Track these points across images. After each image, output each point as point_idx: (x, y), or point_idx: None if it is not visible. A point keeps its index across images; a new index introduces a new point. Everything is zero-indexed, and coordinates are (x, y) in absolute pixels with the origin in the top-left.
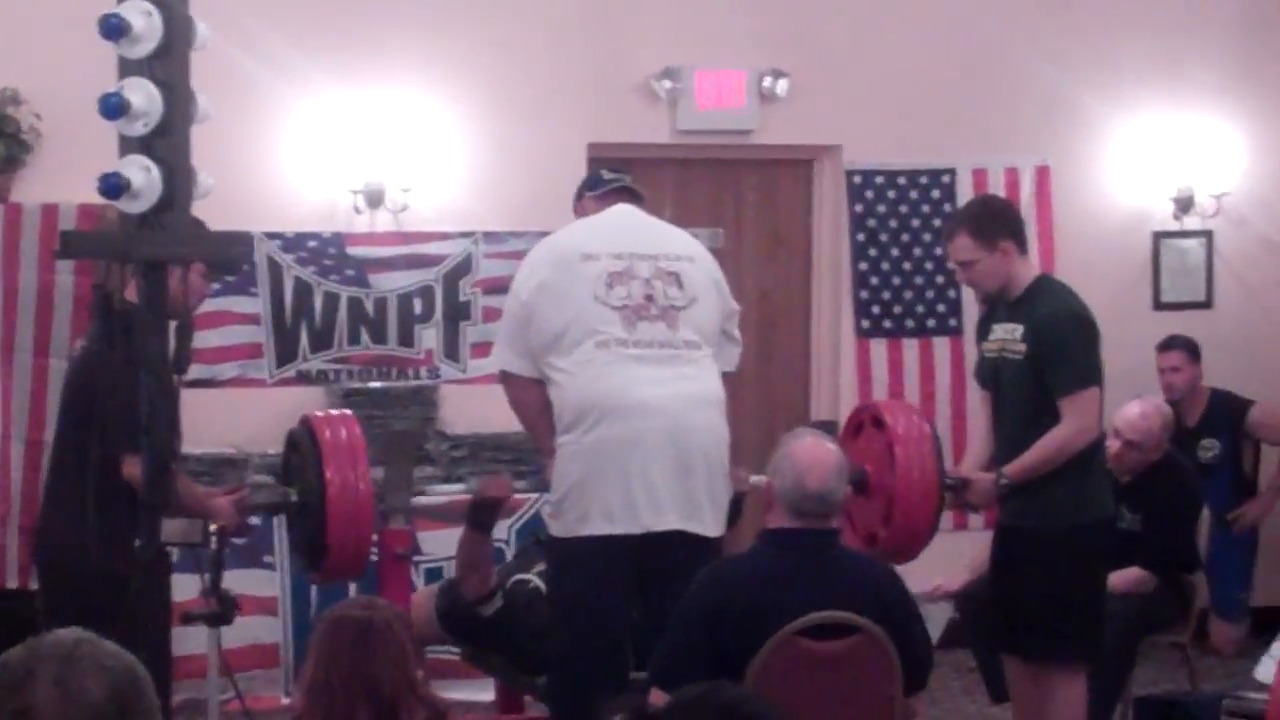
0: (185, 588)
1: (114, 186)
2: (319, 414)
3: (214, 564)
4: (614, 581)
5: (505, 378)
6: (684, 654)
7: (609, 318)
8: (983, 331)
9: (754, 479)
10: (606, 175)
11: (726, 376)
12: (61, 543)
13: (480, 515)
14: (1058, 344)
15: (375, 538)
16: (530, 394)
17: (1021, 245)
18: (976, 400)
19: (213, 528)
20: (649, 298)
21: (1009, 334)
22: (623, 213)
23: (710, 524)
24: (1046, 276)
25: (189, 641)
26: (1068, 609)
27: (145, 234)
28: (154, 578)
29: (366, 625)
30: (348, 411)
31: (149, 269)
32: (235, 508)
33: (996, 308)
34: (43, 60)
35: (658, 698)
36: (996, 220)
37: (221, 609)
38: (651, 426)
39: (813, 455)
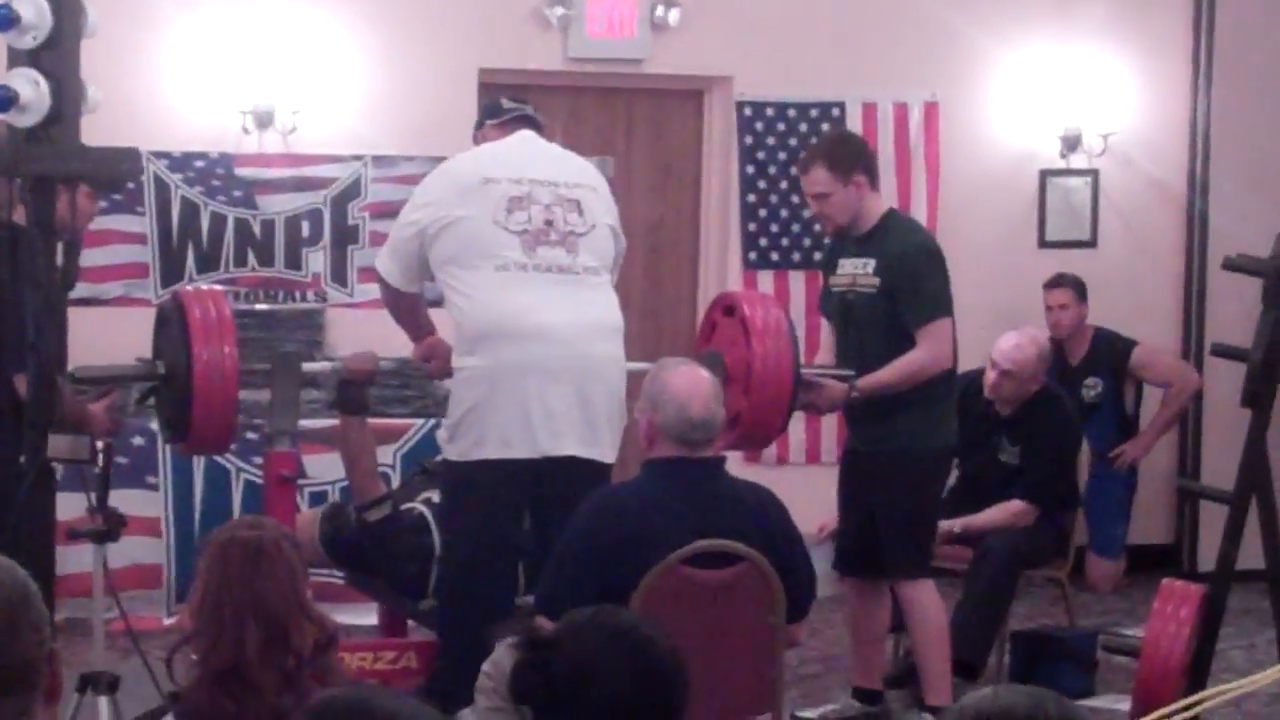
0: (70, 507)
1: (2, 100)
2: (189, 289)
3: (101, 481)
4: (507, 506)
5: (382, 282)
6: (569, 583)
7: (508, 242)
8: (829, 265)
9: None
10: (507, 104)
11: None
12: None
13: (349, 394)
14: (911, 276)
15: (261, 459)
16: (404, 301)
17: (874, 180)
18: None
19: (99, 444)
20: (549, 223)
21: (859, 268)
22: (523, 139)
23: (608, 450)
24: (895, 211)
25: (71, 560)
26: (916, 526)
27: (34, 149)
28: (38, 494)
29: (256, 545)
30: (219, 288)
31: (37, 184)
32: (107, 412)
33: (843, 242)
34: None
35: (544, 625)
36: (852, 154)
37: (108, 526)
38: (550, 353)
39: (691, 384)
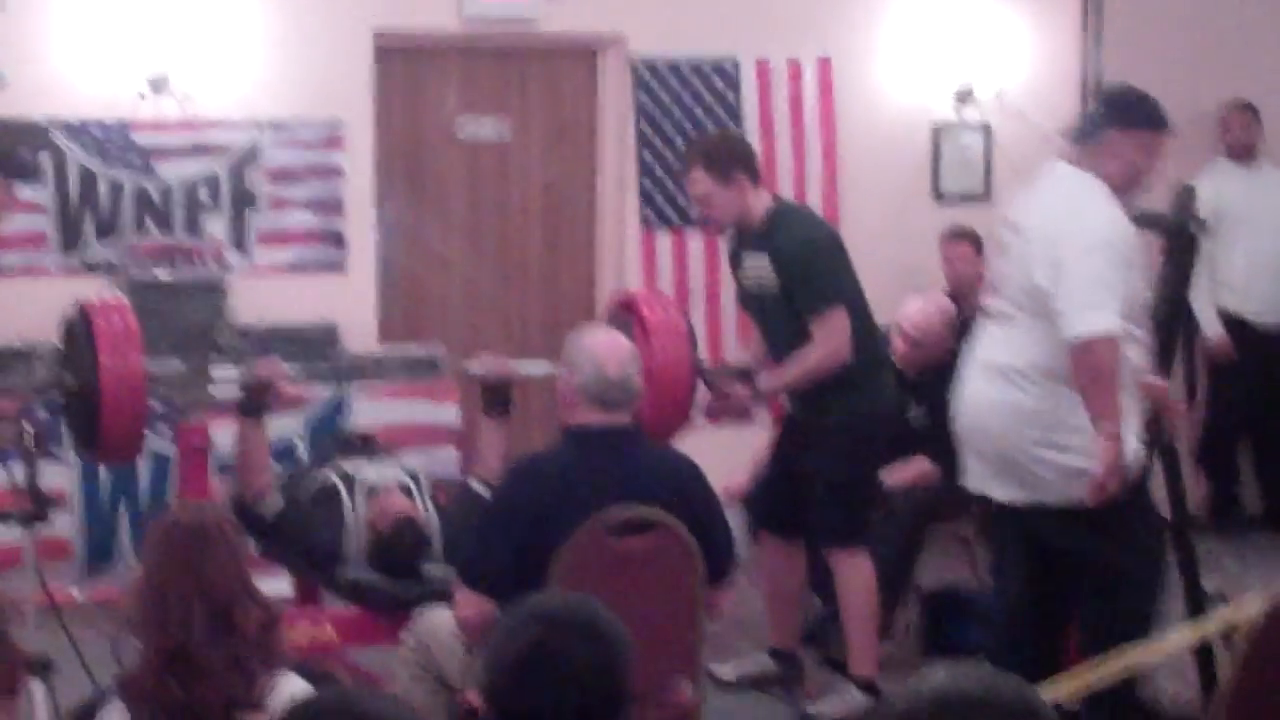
0: None
1: None
2: (94, 301)
3: (29, 462)
4: None
5: (1102, 342)
6: (488, 551)
7: None
8: (735, 261)
9: (515, 364)
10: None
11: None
12: None
13: (252, 399)
14: (799, 270)
15: (168, 430)
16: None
17: (755, 178)
18: None
19: (28, 429)
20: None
21: (759, 262)
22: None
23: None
24: (781, 204)
25: None
26: (850, 493)
27: None
28: None
29: (199, 528)
30: (122, 298)
31: None
32: (14, 409)
33: (741, 237)
34: None
35: (464, 595)
36: (730, 153)
37: (37, 507)
38: None
39: (608, 345)
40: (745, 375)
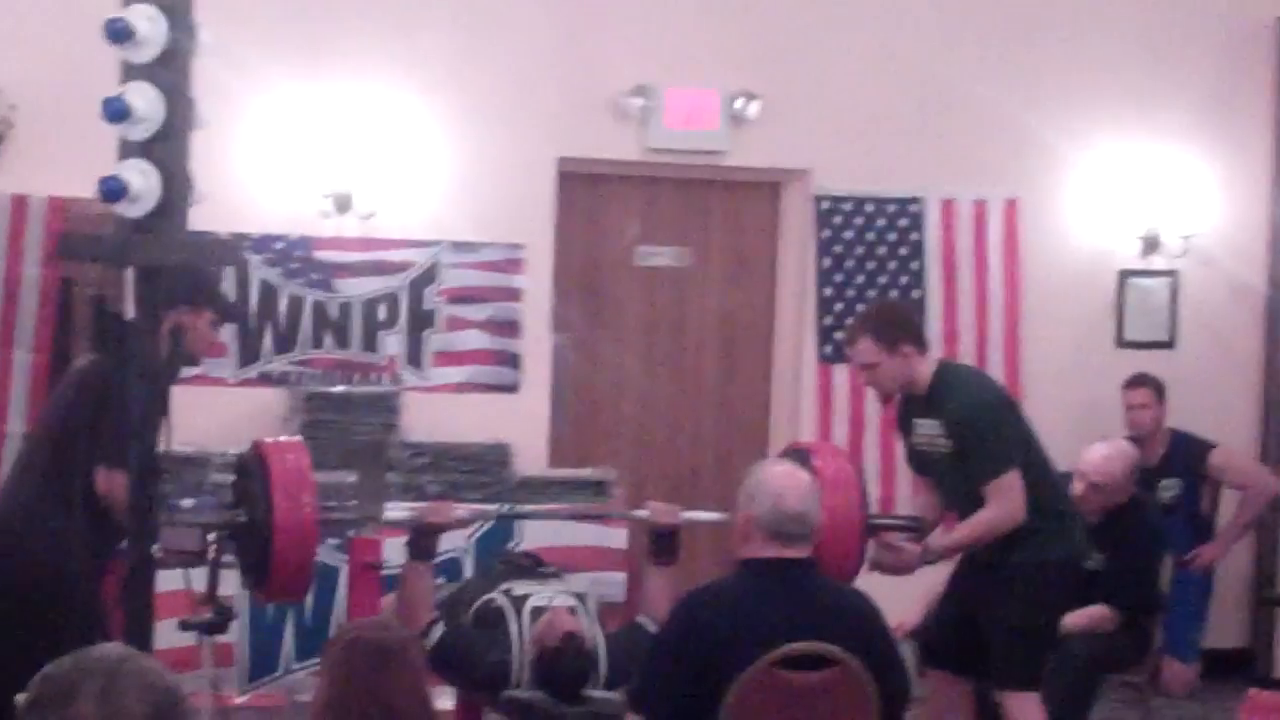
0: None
1: (113, 190)
2: (269, 440)
3: (211, 572)
4: None
5: None
6: (661, 681)
7: None
8: (905, 425)
9: (685, 514)
10: None
11: None
12: (21, 541)
13: (421, 542)
14: (971, 437)
15: (335, 541)
16: None
17: (921, 347)
18: None
19: (210, 536)
20: None
21: (931, 429)
22: None
23: None
24: (946, 366)
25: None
26: (1033, 638)
27: (141, 239)
28: (139, 582)
29: (383, 648)
30: (298, 438)
31: (145, 273)
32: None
33: (909, 403)
34: (18, 52)
35: None
36: (898, 325)
37: (218, 617)
38: None
39: (787, 478)
40: (915, 528)
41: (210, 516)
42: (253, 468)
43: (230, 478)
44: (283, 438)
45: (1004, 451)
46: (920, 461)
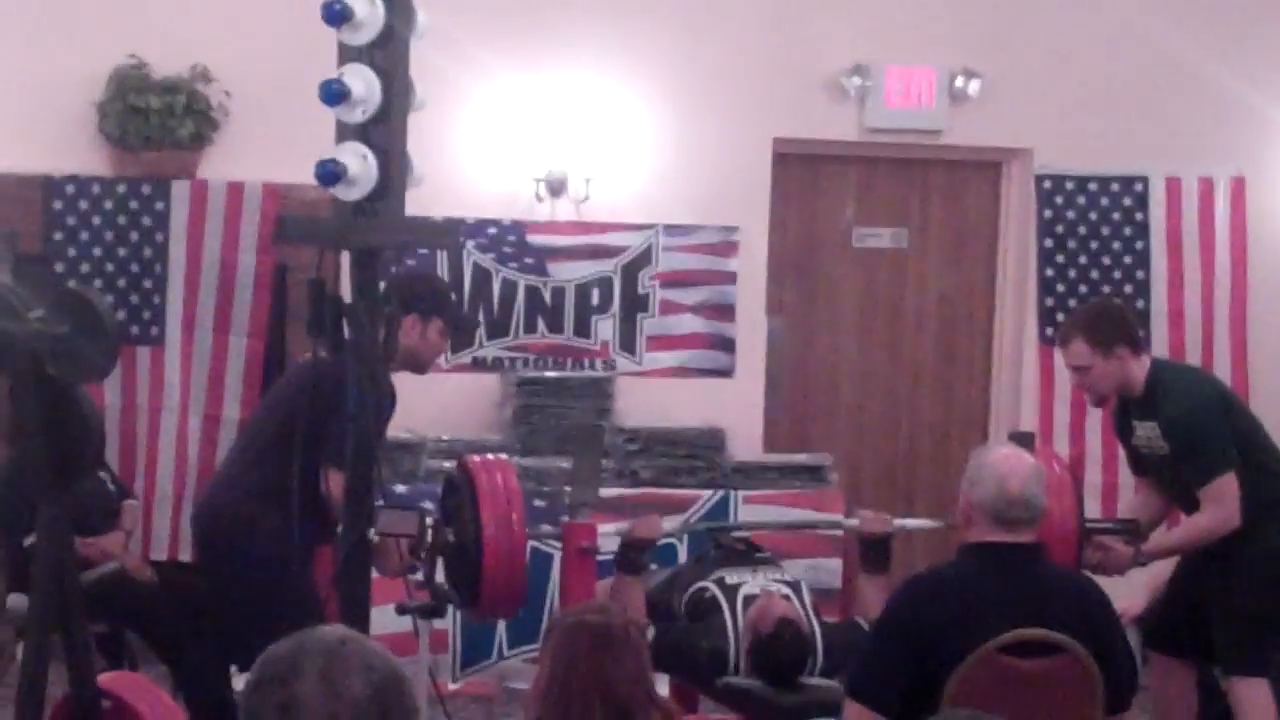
0: None
1: (330, 173)
2: (475, 458)
3: (430, 557)
4: None
5: None
6: (882, 668)
7: None
8: (1124, 428)
9: (897, 522)
10: None
11: None
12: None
13: (630, 556)
14: (1187, 442)
15: (546, 526)
16: None
17: (1136, 349)
18: None
19: (429, 520)
20: None
21: (1149, 431)
22: None
23: None
24: (1160, 366)
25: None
26: (1264, 623)
27: (360, 221)
28: (356, 566)
29: (605, 630)
30: (504, 457)
31: (363, 257)
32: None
33: (1128, 407)
34: (233, 38)
35: (854, 710)
36: (1112, 326)
37: (435, 602)
38: None
39: (1011, 462)
40: (1130, 530)
41: (419, 536)
42: (460, 485)
43: (444, 464)
44: (490, 456)
45: (1219, 455)
46: (1140, 463)
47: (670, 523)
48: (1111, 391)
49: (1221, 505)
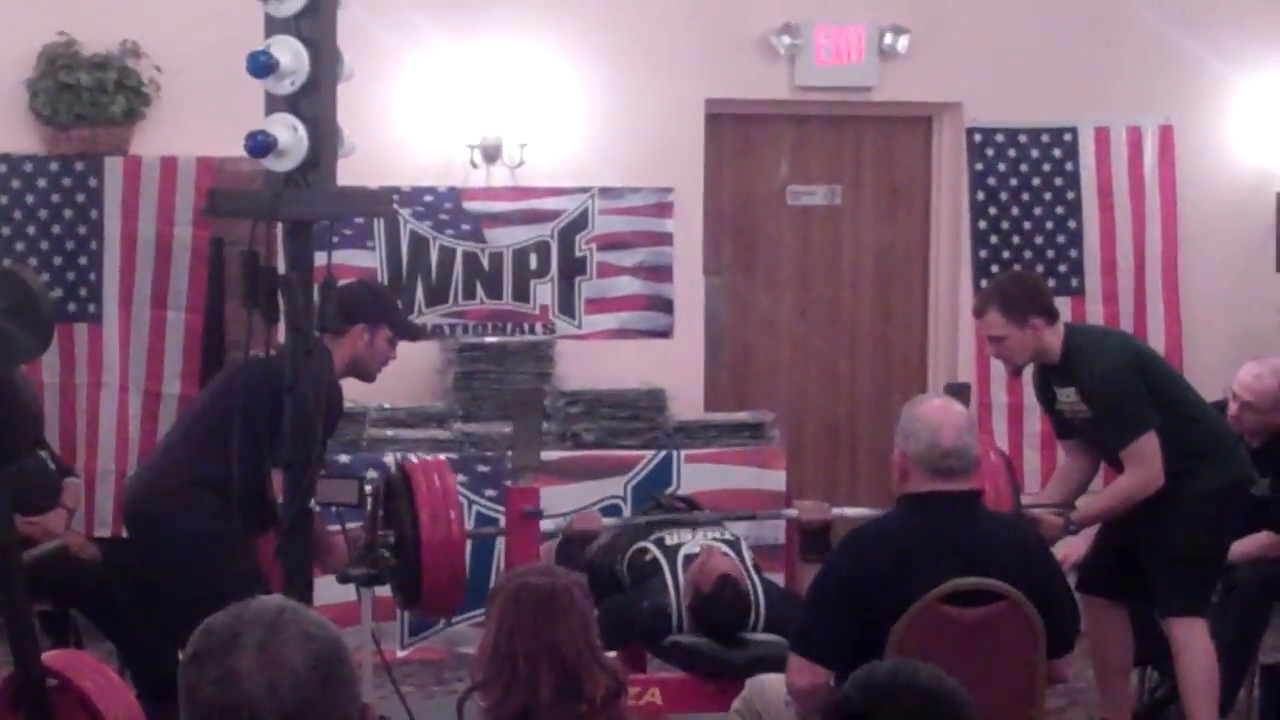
0: None
1: (260, 145)
2: (414, 460)
3: (370, 526)
4: None
5: None
6: (824, 621)
7: None
8: (1047, 395)
9: (836, 510)
10: None
11: None
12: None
13: (571, 549)
14: (1104, 405)
15: (492, 492)
16: None
17: (1050, 318)
18: None
19: (368, 488)
20: None
21: (1070, 397)
22: None
23: None
24: (1074, 332)
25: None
26: (1201, 564)
27: (292, 193)
28: (298, 537)
29: (549, 593)
30: (442, 458)
31: (295, 228)
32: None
33: (1047, 374)
34: (162, 13)
35: (798, 663)
36: (1026, 296)
37: (376, 570)
38: None
39: (943, 413)
40: (1062, 514)
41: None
42: (398, 489)
43: (386, 432)
44: (428, 458)
45: (1137, 417)
46: (1066, 427)
47: (611, 520)
48: (1026, 362)
49: (1143, 465)
